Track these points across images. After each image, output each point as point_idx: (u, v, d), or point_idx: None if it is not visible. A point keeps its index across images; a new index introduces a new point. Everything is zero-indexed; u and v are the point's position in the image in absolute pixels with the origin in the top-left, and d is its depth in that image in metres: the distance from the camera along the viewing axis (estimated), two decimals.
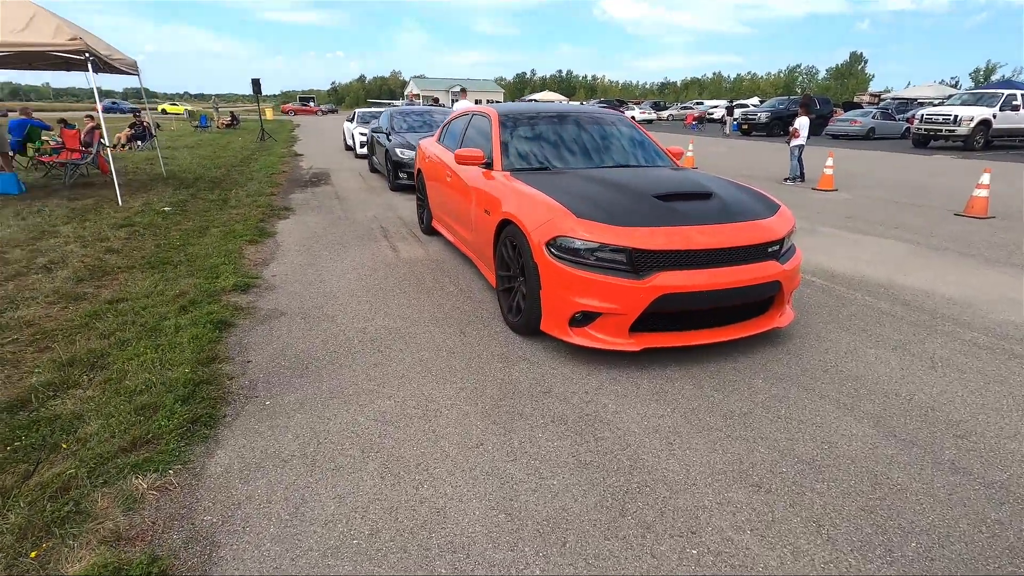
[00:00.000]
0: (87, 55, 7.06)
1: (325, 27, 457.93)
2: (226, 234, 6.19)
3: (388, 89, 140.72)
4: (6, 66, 8.59)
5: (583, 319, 3.16)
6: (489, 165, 4.33)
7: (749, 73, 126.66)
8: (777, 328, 3.57)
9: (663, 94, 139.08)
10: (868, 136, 24.30)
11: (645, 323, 3.19)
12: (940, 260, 5.74)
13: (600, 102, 48.49)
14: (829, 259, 5.75)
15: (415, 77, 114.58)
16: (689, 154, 14.11)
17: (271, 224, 6.97)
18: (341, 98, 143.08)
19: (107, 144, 13.71)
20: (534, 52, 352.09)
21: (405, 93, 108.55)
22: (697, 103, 54.14)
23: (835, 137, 24.91)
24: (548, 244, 3.21)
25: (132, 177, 10.59)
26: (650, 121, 42.46)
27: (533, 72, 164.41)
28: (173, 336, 3.46)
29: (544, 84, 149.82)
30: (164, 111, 28.24)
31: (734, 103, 33.64)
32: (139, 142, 16.36)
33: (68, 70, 8.75)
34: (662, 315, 3.19)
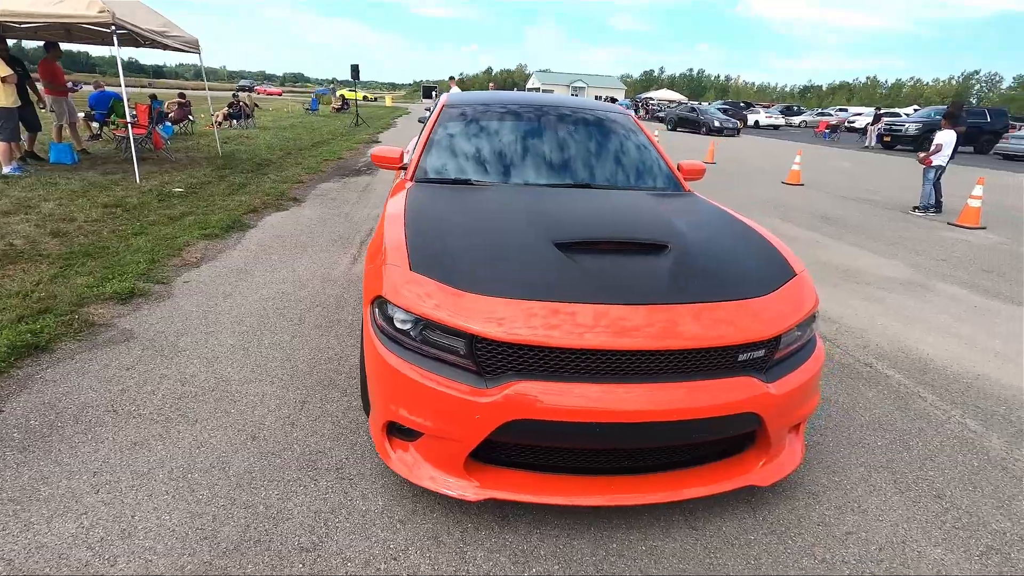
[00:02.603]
0: (113, 27, 6.89)
1: (464, 20, 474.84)
2: (194, 224, 5.65)
3: (513, 81, 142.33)
4: (56, 38, 8.77)
5: (410, 431, 1.97)
6: (406, 169, 3.22)
7: (912, 79, 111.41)
8: (754, 487, 2.10)
9: (804, 98, 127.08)
10: None
11: (504, 453, 1.95)
12: None
13: (724, 103, 44.65)
14: (928, 337, 3.93)
15: (539, 71, 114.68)
16: (795, 167, 11.85)
17: (259, 216, 6.38)
18: (467, 89, 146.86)
19: (193, 120, 14.30)
20: (668, 50, 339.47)
21: (527, 86, 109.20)
22: (840, 110, 48.18)
23: (1007, 158, 20.39)
24: (372, 305, 2.06)
25: (189, 154, 10.74)
26: (776, 127, 38.23)
27: (662, 70, 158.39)
28: None
29: (672, 82, 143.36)
30: (343, 96, 32.25)
31: (882, 111, 28.75)
32: (235, 121, 17.12)
33: (107, 44, 8.69)
34: (530, 447, 1.93)
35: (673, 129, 30.44)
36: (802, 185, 11.53)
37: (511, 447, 1.94)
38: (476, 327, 1.76)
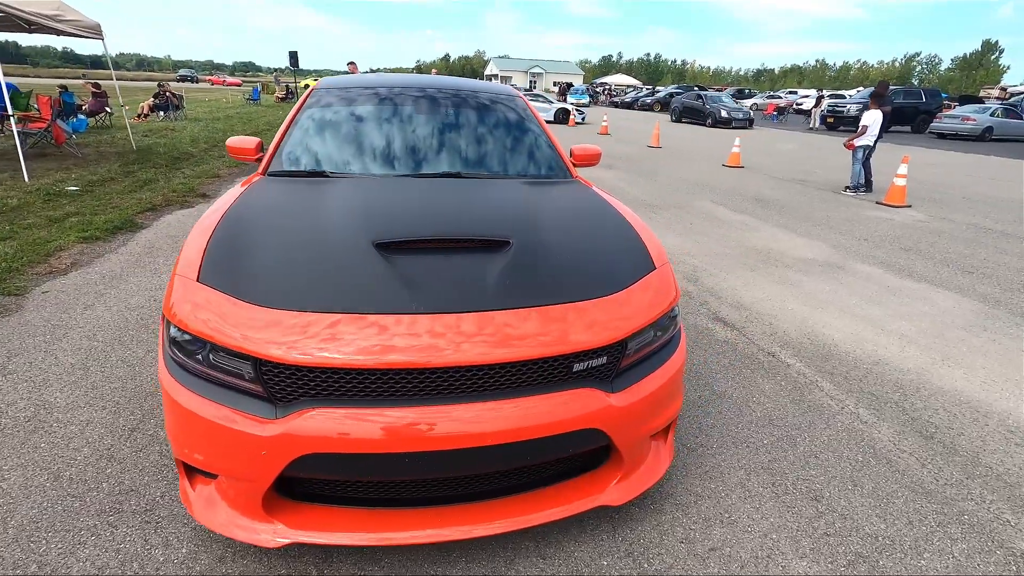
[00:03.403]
0: None
1: (422, 4, 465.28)
2: (75, 226, 5.16)
3: (471, 68, 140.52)
4: None
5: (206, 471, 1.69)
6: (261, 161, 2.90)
7: (859, 61, 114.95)
8: (607, 506, 1.90)
9: (758, 82, 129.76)
10: (984, 137, 20.33)
11: (319, 488, 1.70)
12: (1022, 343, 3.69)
13: (678, 87, 45.07)
14: (836, 321, 3.84)
15: (498, 57, 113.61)
16: (735, 150, 11.87)
17: (157, 216, 5.90)
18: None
19: (111, 112, 13.38)
20: (626, 35, 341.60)
21: (485, 73, 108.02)
22: (790, 92, 49.40)
23: (941, 136, 21.10)
24: (163, 323, 1.77)
25: (100, 149, 10.00)
26: None
27: (619, 55, 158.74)
28: None
29: (631, 67, 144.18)
30: (307, 86, 25.88)
31: (823, 93, 29.37)
32: (161, 112, 16.17)
33: None
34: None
35: (678, 120, 25.90)
36: (742, 167, 11.57)
37: (326, 481, 1.68)
38: (257, 347, 1.49)
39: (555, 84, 54.31)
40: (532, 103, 18.58)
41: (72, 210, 5.75)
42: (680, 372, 1.94)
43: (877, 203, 8.30)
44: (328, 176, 2.63)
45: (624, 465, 1.84)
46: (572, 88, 48.67)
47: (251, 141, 2.96)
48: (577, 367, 1.66)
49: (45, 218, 5.40)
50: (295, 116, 3.02)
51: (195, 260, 1.77)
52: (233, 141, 2.99)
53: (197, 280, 1.68)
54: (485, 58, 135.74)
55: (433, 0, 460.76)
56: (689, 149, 14.99)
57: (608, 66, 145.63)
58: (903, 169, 8.13)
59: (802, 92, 45.47)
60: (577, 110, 22.96)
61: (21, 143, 8.77)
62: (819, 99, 26.01)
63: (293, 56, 20.23)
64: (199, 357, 1.60)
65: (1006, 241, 6.36)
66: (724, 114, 23.30)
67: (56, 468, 2.12)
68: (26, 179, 6.89)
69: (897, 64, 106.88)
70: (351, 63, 12.69)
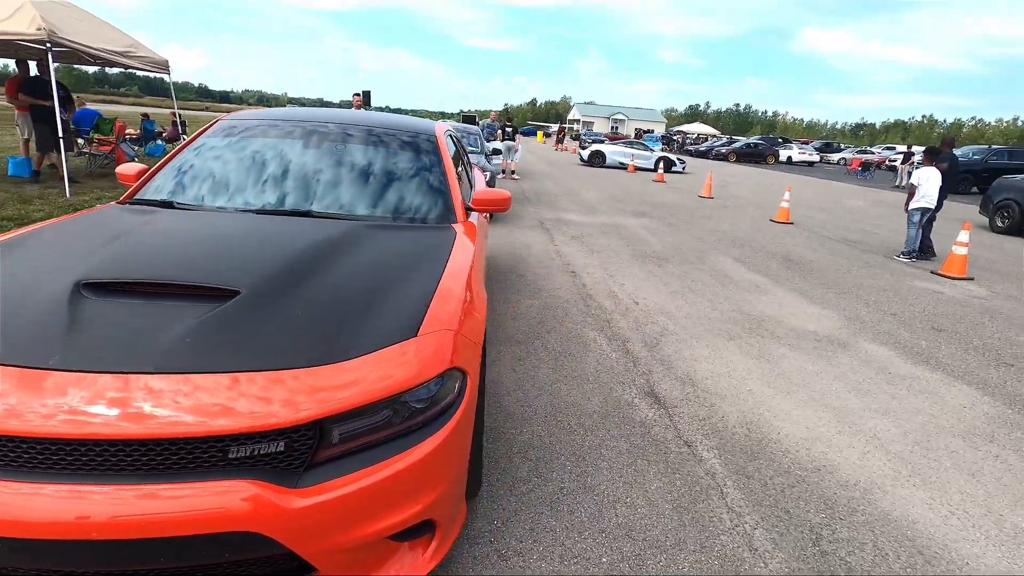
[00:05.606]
0: (48, 45, 6.99)
1: (514, 52, 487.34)
2: None
3: (556, 112, 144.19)
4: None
5: None
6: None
7: (973, 118, 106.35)
8: None
9: (856, 137, 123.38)
10: None
11: None
12: None
13: (760, 138, 43.52)
14: (797, 411, 3.21)
15: (582, 103, 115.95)
16: (784, 205, 11.03)
17: None
18: (510, 118, 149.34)
19: (186, 138, 14.69)
20: (717, 83, 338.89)
21: (569, 117, 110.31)
22: (886, 148, 46.53)
23: None
24: None
25: None
26: (811, 163, 36.88)
27: (707, 104, 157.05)
28: None
29: (718, 117, 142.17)
30: None
31: (911, 149, 26.88)
32: None
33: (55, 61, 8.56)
34: None
35: (1004, 228, 11.33)
36: (791, 223, 10.69)
37: None
38: None
39: (635, 131, 54.75)
40: (630, 149, 18.47)
41: None
42: (432, 460, 1.56)
43: (932, 272, 7.27)
44: (174, 207, 2.53)
45: None
46: (647, 135, 48.38)
47: (134, 168, 2.94)
48: (235, 453, 1.36)
49: None
50: (182, 148, 2.99)
51: None
52: (123, 168, 2.98)
53: None
54: (571, 103, 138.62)
55: (526, 48, 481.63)
56: (741, 201, 14.16)
57: (695, 115, 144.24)
58: (964, 236, 7.09)
59: (899, 148, 42.56)
60: (678, 159, 23.51)
61: (90, 164, 9.72)
62: (907, 155, 23.96)
63: (366, 95, 21.45)
64: None
65: None
66: None
67: None
68: (67, 195, 7.52)
69: (1020, 123, 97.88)
70: (356, 95, 13.02)
